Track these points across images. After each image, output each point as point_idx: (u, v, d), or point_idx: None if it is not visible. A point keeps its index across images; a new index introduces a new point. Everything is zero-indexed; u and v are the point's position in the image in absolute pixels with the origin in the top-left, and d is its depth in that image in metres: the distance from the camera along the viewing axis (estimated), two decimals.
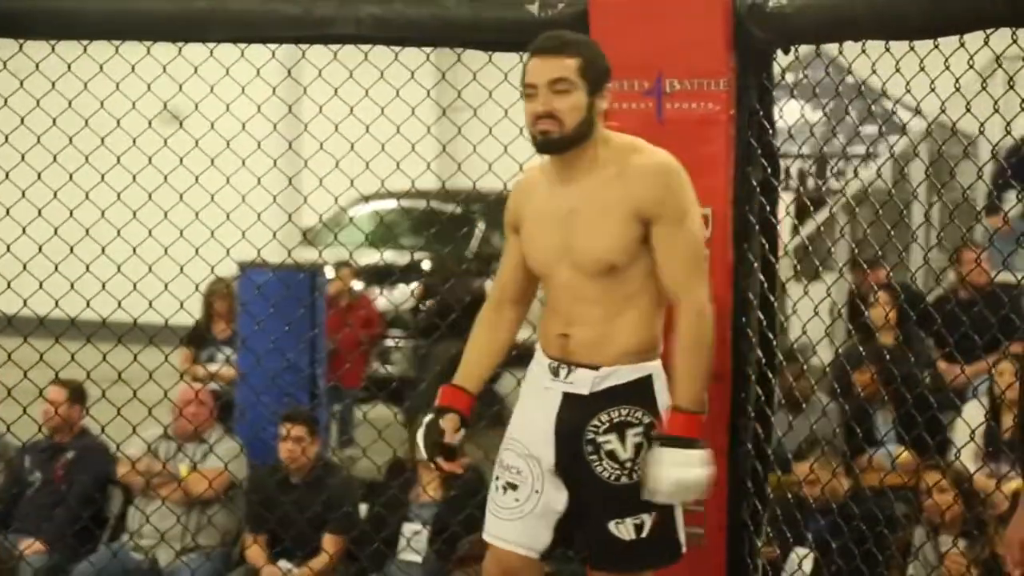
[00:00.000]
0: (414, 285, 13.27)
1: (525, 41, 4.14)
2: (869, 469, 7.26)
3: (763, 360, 4.59)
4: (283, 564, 7.46)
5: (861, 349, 7.01)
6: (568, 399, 3.94)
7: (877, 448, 7.45)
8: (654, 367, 3.94)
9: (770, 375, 4.62)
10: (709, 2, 4.42)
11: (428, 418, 4.21)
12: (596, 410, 3.89)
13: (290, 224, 9.94)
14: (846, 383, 7.35)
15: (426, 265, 13.74)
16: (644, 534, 3.88)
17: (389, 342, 12.82)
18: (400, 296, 12.92)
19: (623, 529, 3.87)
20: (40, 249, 6.51)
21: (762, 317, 4.57)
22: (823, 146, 7.06)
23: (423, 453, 4.29)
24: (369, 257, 13.06)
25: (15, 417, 7.97)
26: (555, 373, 3.99)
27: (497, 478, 4.17)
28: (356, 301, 12.20)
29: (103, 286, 6.99)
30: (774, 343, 4.66)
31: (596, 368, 3.90)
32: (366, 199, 13.45)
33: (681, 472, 3.70)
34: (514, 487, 4.09)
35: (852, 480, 6.79)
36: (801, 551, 6.24)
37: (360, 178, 10.30)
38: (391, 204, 14.26)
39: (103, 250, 7.19)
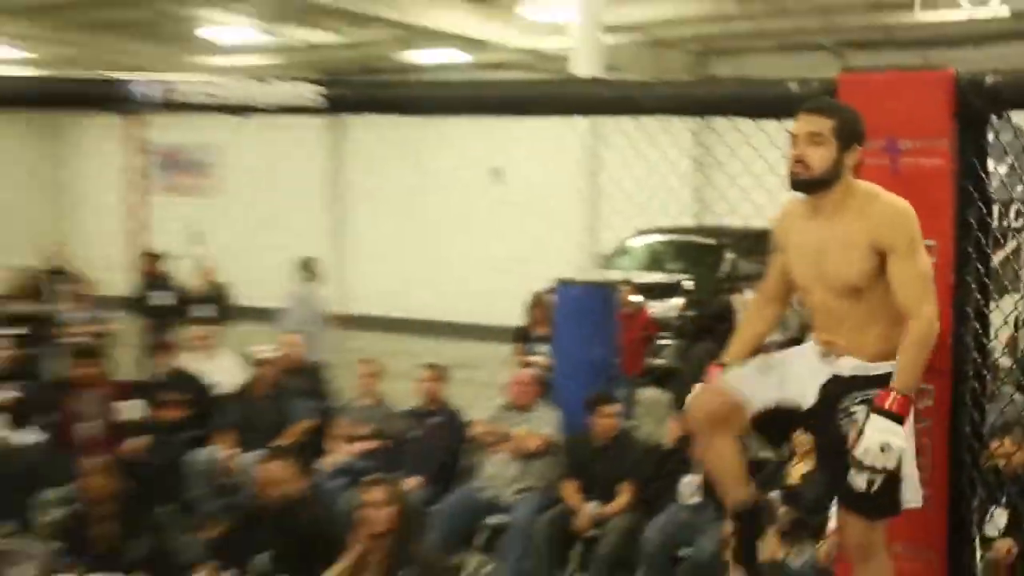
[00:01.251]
0: (679, 299, 13.28)
1: (786, 112, 3.99)
2: None
3: (978, 360, 4.22)
4: (592, 504, 7.20)
5: None
6: (835, 377, 3.77)
7: None
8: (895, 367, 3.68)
9: (984, 372, 4.27)
10: (936, 79, 4.11)
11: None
12: (853, 388, 3.71)
13: (588, 252, 9.90)
14: None
15: (688, 284, 13.56)
16: (873, 489, 3.60)
17: (660, 341, 12.67)
18: (668, 307, 12.98)
19: (858, 479, 3.60)
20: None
21: (977, 326, 4.21)
22: None
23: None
24: (646, 277, 13.36)
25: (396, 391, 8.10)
26: (825, 357, 3.81)
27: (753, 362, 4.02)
28: (636, 310, 11.78)
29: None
30: (988, 347, 4.32)
31: (855, 359, 3.75)
32: (666, 232, 13.49)
33: (882, 437, 3.51)
34: (768, 369, 3.96)
35: None
36: (999, 510, 5.82)
37: (639, 218, 10.30)
38: (662, 237, 14.45)
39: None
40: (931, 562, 4.15)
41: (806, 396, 3.84)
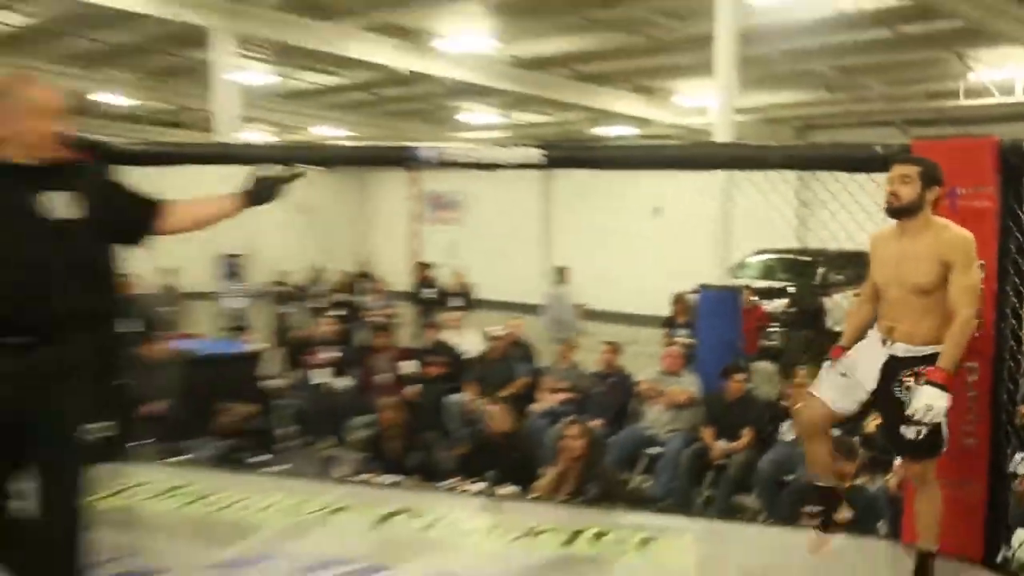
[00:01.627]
0: (784, 300, 12.88)
1: (873, 167, 3.98)
2: None
3: (1013, 346, 4.07)
4: (722, 442, 7.04)
5: None
6: (891, 358, 3.66)
7: None
8: (941, 349, 3.57)
9: (1018, 356, 4.10)
10: (984, 144, 3.99)
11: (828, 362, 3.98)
12: (906, 365, 3.61)
13: (721, 265, 9.72)
14: None
15: (791, 289, 13.19)
16: (920, 438, 3.57)
17: (770, 329, 12.37)
18: (777, 305, 12.69)
19: (909, 431, 3.56)
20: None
21: (1014, 322, 4.06)
22: None
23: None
24: (761, 284, 13.15)
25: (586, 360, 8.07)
26: (884, 342, 3.70)
27: (834, 366, 3.88)
28: (754, 307, 11.56)
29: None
30: (1022, 337, 4.14)
31: (907, 344, 3.63)
32: (776, 252, 13.23)
33: (928, 400, 3.43)
34: (844, 375, 3.82)
35: None
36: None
37: (758, 241, 10.06)
38: (773, 255, 14.46)
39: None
40: (975, 492, 4.03)
41: (870, 377, 3.72)
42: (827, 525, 4.09)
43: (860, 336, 3.94)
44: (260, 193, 3.23)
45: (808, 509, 4.44)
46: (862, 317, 3.96)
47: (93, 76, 16.04)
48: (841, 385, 3.83)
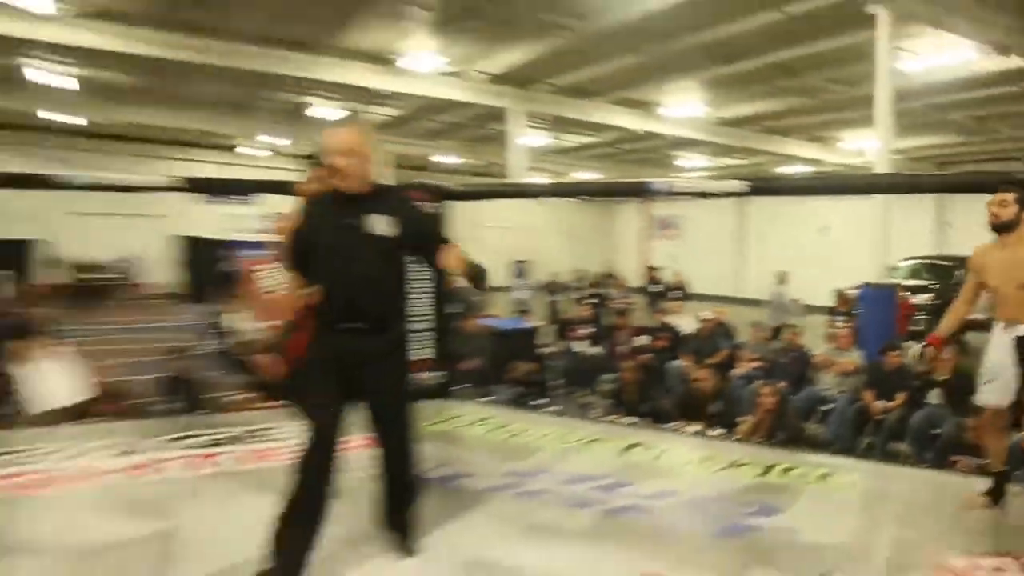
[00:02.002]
0: (928, 294, 11.62)
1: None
2: None
3: None
4: (880, 402, 6.41)
5: None
6: (1018, 338, 3.29)
7: None
8: None
9: None
10: None
11: (920, 347, 3.73)
12: None
13: (879, 268, 8.85)
14: None
15: (933, 286, 11.93)
16: None
17: (917, 317, 11.18)
18: (922, 299, 11.39)
19: None
20: None
21: None
22: None
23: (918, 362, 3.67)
24: (910, 282, 12.04)
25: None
26: (1007, 329, 3.34)
27: (982, 375, 3.47)
28: (904, 300, 10.54)
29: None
30: None
31: None
32: (921, 257, 12.02)
33: None
34: (990, 381, 3.40)
35: None
36: None
37: (907, 249, 8.97)
38: (918, 260, 13.15)
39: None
40: None
41: (1008, 363, 3.33)
42: (998, 500, 3.63)
43: (954, 328, 3.57)
44: (474, 275, 2.90)
45: (960, 462, 3.93)
46: (958, 314, 3.57)
47: (433, 145, 17.26)
48: (994, 388, 3.45)
